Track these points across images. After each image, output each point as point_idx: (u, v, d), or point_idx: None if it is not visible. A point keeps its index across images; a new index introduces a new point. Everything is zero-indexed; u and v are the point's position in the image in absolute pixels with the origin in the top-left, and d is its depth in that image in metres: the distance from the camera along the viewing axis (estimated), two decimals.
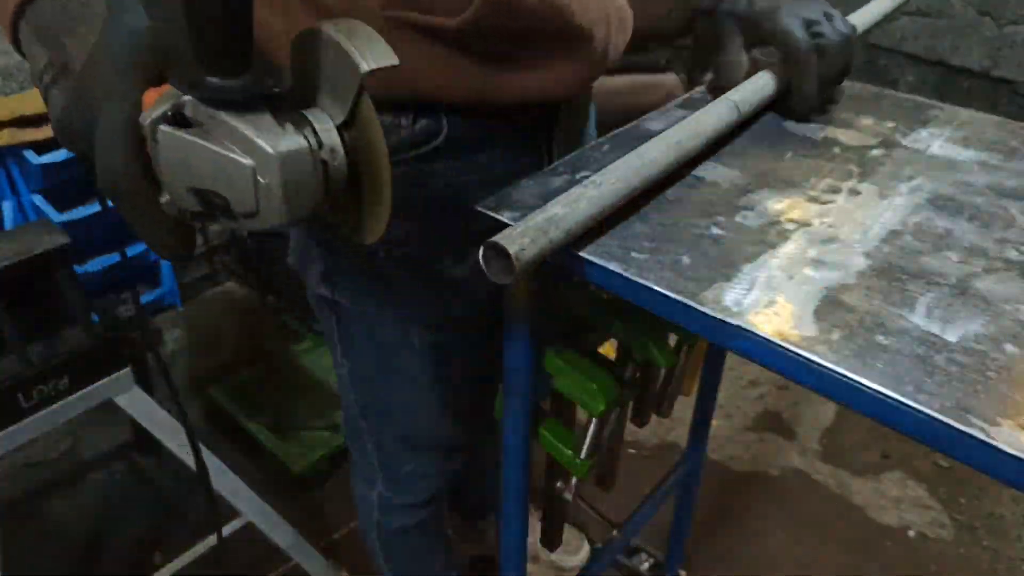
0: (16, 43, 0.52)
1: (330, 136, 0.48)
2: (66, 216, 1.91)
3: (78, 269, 1.48)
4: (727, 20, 0.83)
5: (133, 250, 2.14)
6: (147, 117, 0.45)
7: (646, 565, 1.63)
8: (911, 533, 1.80)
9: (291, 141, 0.45)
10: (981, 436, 0.44)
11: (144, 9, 0.47)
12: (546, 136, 0.87)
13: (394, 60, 0.47)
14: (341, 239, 0.59)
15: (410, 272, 0.85)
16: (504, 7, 0.69)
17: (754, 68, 0.83)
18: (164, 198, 0.48)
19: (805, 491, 1.90)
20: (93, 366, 1.09)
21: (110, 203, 0.49)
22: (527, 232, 0.55)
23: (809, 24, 0.78)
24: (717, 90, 0.83)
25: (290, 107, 0.48)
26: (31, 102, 1.89)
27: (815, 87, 0.79)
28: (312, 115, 0.48)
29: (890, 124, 0.86)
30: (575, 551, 1.67)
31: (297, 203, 0.46)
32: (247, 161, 0.44)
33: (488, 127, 0.78)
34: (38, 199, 1.91)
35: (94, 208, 1.96)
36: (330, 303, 0.91)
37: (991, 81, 2.36)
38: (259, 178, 0.44)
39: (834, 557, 1.74)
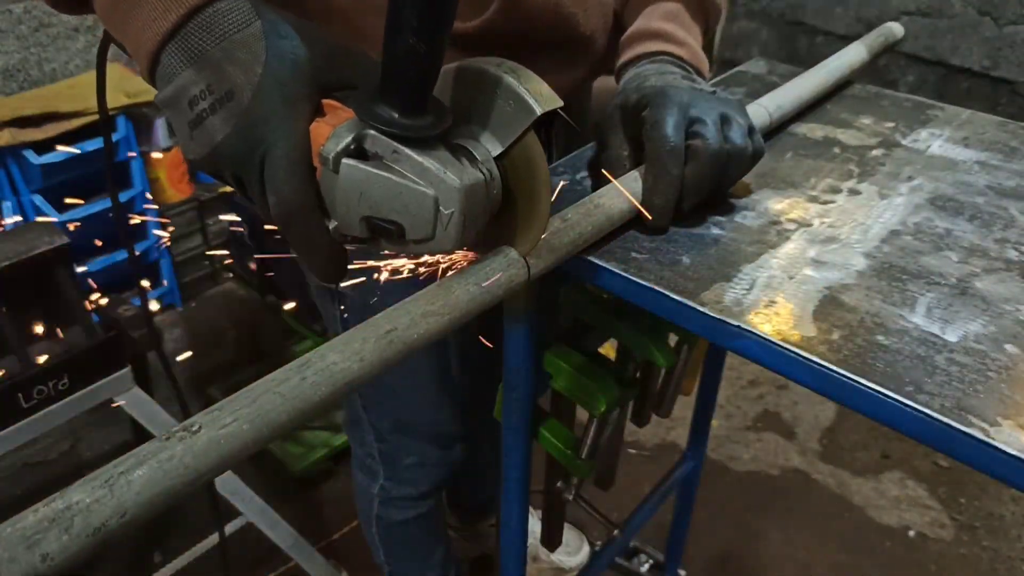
0: (151, 70, 0.51)
1: (494, 168, 0.52)
2: (66, 216, 1.91)
3: (78, 269, 1.48)
4: (613, 112, 0.70)
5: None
6: (330, 150, 0.48)
7: (646, 566, 1.63)
8: (911, 533, 1.80)
9: (471, 175, 0.49)
10: (981, 436, 0.44)
11: (299, 36, 0.49)
12: (544, 136, 0.88)
13: (559, 103, 0.51)
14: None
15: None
16: (515, 15, 0.70)
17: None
18: (331, 224, 0.51)
19: (805, 491, 1.90)
20: (93, 366, 1.09)
21: (281, 230, 0.51)
22: (544, 242, 0.56)
23: (692, 122, 0.63)
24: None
25: (452, 137, 0.51)
26: (31, 102, 1.89)
27: (665, 198, 0.63)
28: (473, 147, 0.52)
29: (890, 124, 0.86)
30: (575, 551, 1.67)
31: (469, 230, 0.50)
32: (430, 192, 0.48)
33: None
34: (38, 199, 1.91)
35: (94, 208, 1.97)
36: (334, 294, 0.92)
37: (991, 81, 2.36)
38: (441, 208, 0.48)
39: (834, 557, 1.74)
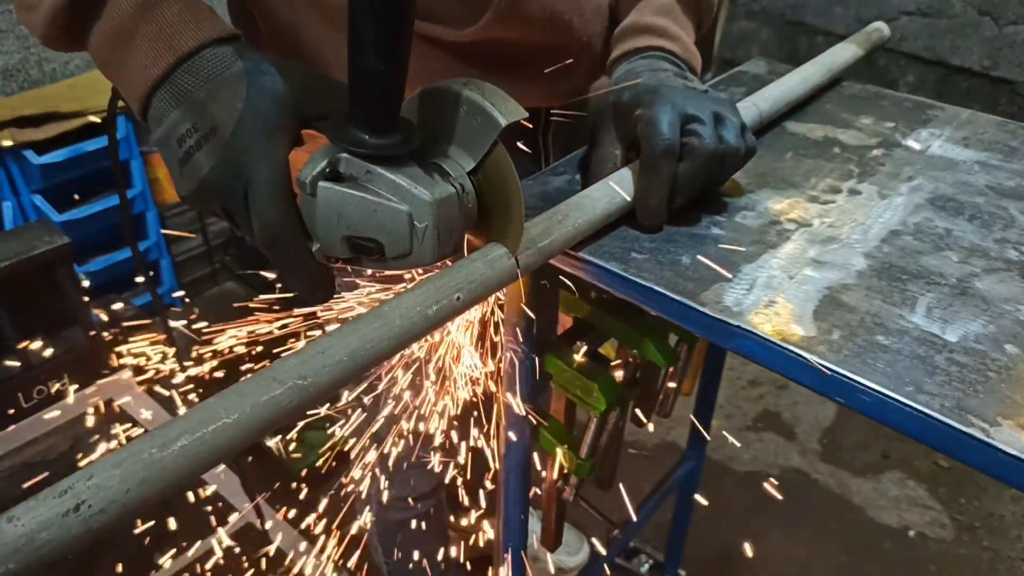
0: (143, 112, 0.54)
1: (467, 182, 0.54)
2: (66, 216, 1.91)
3: (78, 269, 1.48)
4: (605, 109, 0.69)
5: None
6: (306, 175, 0.50)
7: (646, 567, 1.63)
8: (911, 533, 1.80)
9: (442, 189, 0.51)
10: (981, 436, 0.44)
11: (279, 73, 0.52)
12: (542, 136, 0.88)
13: (524, 114, 0.53)
14: None
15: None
16: (511, 22, 0.70)
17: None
18: (315, 247, 0.53)
19: (805, 491, 1.90)
20: (93, 366, 1.09)
21: (267, 254, 0.53)
22: (530, 237, 0.56)
23: (687, 120, 0.62)
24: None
25: (424, 156, 0.53)
26: (31, 102, 1.89)
27: (659, 197, 0.62)
28: (445, 163, 0.54)
29: (890, 124, 0.86)
30: (575, 551, 1.67)
31: (445, 243, 0.52)
32: (404, 207, 0.50)
33: None
34: (38, 199, 1.91)
35: (94, 208, 1.96)
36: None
37: (991, 81, 2.36)
38: (415, 222, 0.50)
39: (834, 557, 1.74)
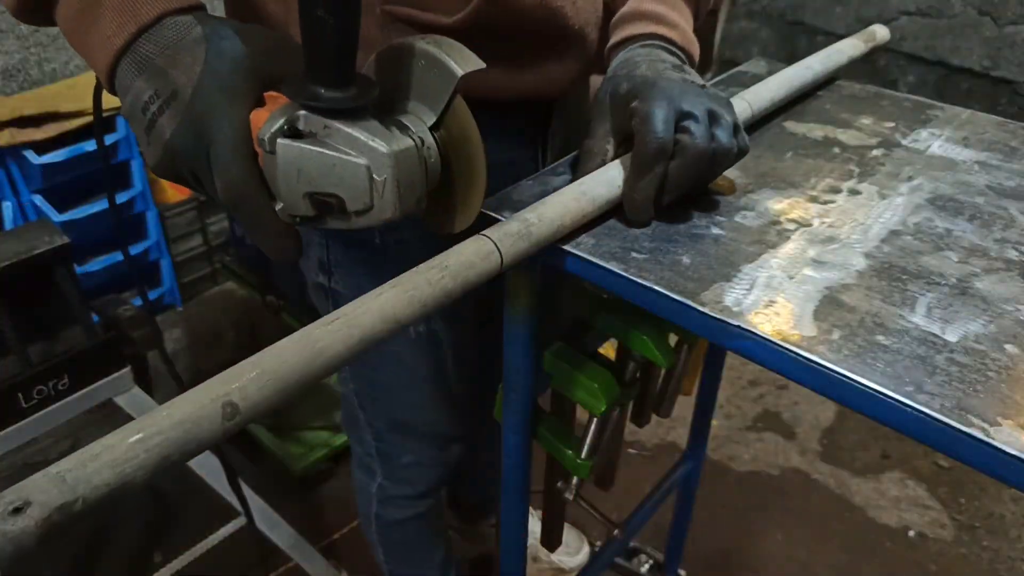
0: (110, 84, 0.55)
1: (427, 136, 0.54)
2: (66, 216, 1.91)
3: (78, 269, 1.48)
4: (603, 99, 0.68)
5: (134, 250, 2.14)
6: (265, 132, 0.50)
7: (646, 567, 1.63)
8: (911, 533, 1.80)
9: (400, 141, 0.51)
10: (981, 436, 0.44)
11: (238, 36, 0.52)
12: (541, 131, 0.88)
13: (482, 65, 0.53)
14: (433, 231, 0.63)
15: (404, 259, 0.86)
16: (500, 8, 0.69)
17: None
18: (279, 206, 0.53)
19: (805, 491, 1.90)
20: (93, 366, 1.09)
21: (232, 215, 0.52)
22: (512, 226, 0.56)
23: (681, 117, 0.61)
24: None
25: (385, 113, 0.53)
26: (31, 102, 1.89)
27: (646, 194, 0.62)
28: (406, 119, 0.54)
29: (890, 124, 0.86)
30: (575, 551, 1.67)
31: (406, 197, 0.52)
32: (362, 161, 0.50)
33: (481, 121, 0.80)
34: (38, 199, 1.91)
35: (94, 208, 1.96)
36: (327, 291, 0.92)
37: (991, 81, 2.36)
38: (374, 176, 0.50)
39: (834, 557, 1.74)
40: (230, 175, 0.52)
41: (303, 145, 0.50)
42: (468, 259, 0.52)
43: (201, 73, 0.51)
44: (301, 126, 0.51)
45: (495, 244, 0.54)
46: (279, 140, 0.50)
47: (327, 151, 0.50)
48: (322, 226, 0.55)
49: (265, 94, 0.53)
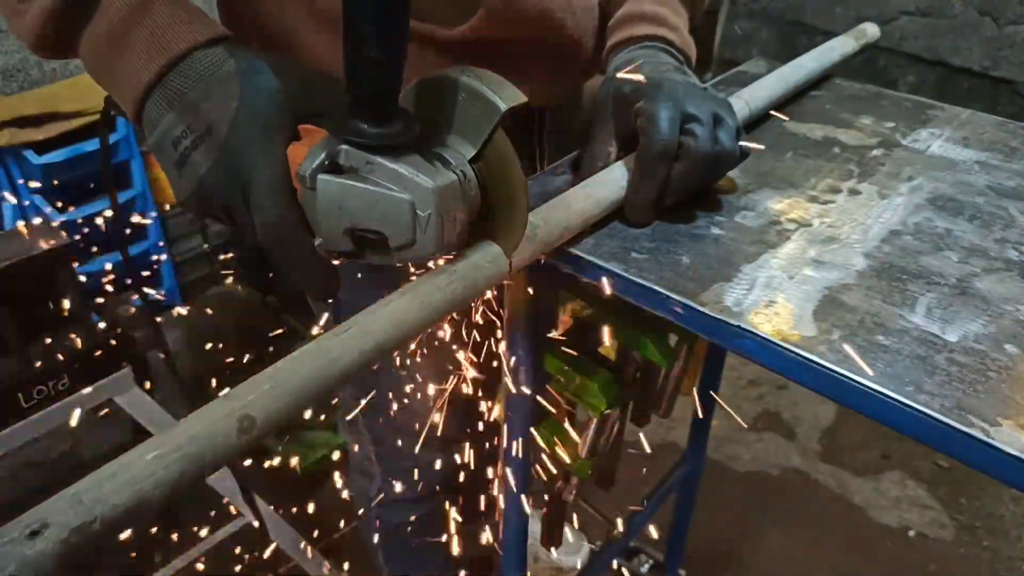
0: (137, 117, 0.54)
1: (468, 169, 0.53)
2: (66, 216, 1.91)
3: (78, 269, 1.48)
4: (605, 100, 0.68)
5: (134, 250, 2.14)
6: (306, 168, 0.49)
7: (646, 567, 1.63)
8: (911, 533, 1.80)
9: (444, 176, 0.50)
10: (981, 436, 0.44)
11: (271, 71, 0.52)
12: (537, 136, 0.88)
13: (524, 99, 0.52)
14: None
15: (406, 265, 0.86)
16: (502, 21, 0.70)
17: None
18: (317, 241, 0.52)
19: (805, 491, 1.90)
20: (93, 366, 1.09)
21: (270, 252, 0.52)
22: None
23: (686, 119, 0.61)
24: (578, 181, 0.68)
25: (424, 146, 0.52)
26: (31, 102, 1.89)
27: (649, 196, 0.62)
28: (446, 152, 0.53)
29: (890, 124, 0.86)
30: (575, 551, 1.67)
31: (449, 231, 0.51)
32: (406, 196, 0.49)
33: None
34: (38, 199, 1.90)
35: (94, 208, 1.96)
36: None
37: (991, 81, 2.36)
38: (417, 211, 0.49)
39: (834, 557, 1.74)
40: (269, 213, 0.51)
41: (345, 181, 0.49)
42: (476, 263, 0.52)
43: (237, 109, 0.50)
44: (342, 161, 0.50)
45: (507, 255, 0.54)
46: (320, 176, 0.49)
47: (369, 187, 0.49)
48: (361, 261, 0.54)
49: (299, 127, 0.53)
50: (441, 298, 0.50)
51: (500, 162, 0.54)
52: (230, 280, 2.45)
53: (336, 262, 0.55)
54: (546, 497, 0.94)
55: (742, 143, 0.65)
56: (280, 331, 2.20)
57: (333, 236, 0.52)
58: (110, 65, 0.54)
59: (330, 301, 0.93)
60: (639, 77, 0.66)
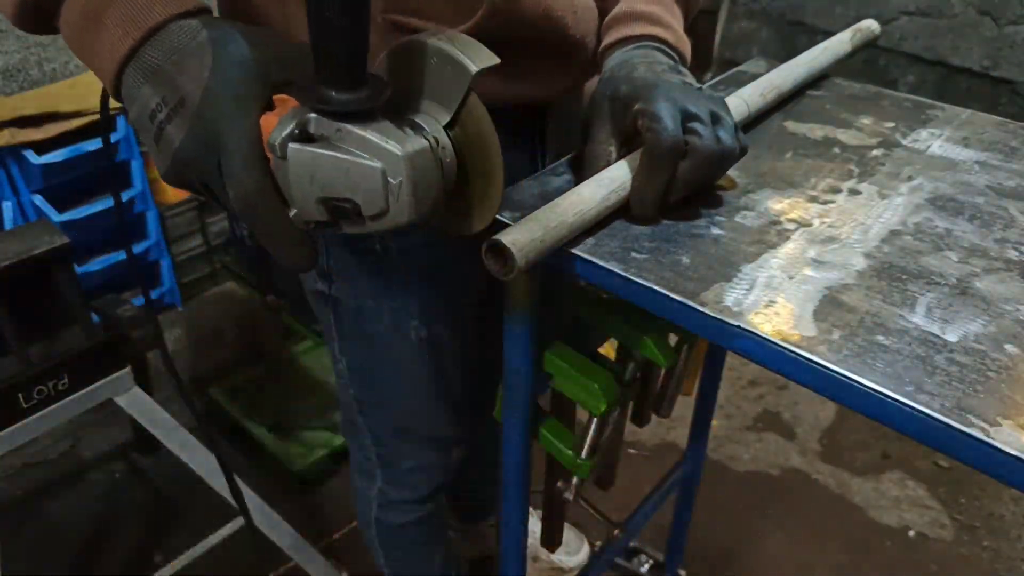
0: (116, 92, 0.54)
1: (442, 136, 0.52)
2: (66, 216, 1.91)
3: (78, 269, 1.48)
4: (601, 101, 0.68)
5: (134, 250, 2.14)
6: (276, 137, 0.49)
7: (646, 567, 1.63)
8: (911, 533, 1.80)
9: (415, 142, 0.50)
10: (981, 436, 0.44)
11: (245, 40, 0.51)
12: (539, 134, 0.88)
13: (496, 60, 0.52)
14: (446, 233, 0.62)
15: (405, 266, 0.86)
16: (505, 20, 0.70)
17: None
18: (292, 212, 0.52)
19: (805, 491, 1.90)
20: (93, 366, 1.09)
21: (243, 223, 0.51)
22: (527, 230, 0.56)
23: (687, 118, 0.62)
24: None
25: (398, 113, 0.52)
26: (31, 102, 1.89)
27: (657, 192, 0.62)
28: (420, 119, 0.52)
29: (890, 124, 0.86)
30: (575, 551, 1.67)
31: (423, 199, 0.51)
32: (377, 164, 0.48)
33: None
34: (38, 199, 1.91)
35: (94, 208, 1.96)
36: (327, 298, 0.92)
37: (991, 81, 2.36)
38: (389, 179, 0.49)
39: (834, 557, 1.74)
40: (242, 183, 0.50)
41: (315, 149, 0.49)
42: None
43: (208, 79, 0.50)
44: (312, 130, 0.50)
45: (508, 247, 0.54)
46: (291, 145, 0.49)
47: (340, 155, 0.49)
48: (337, 231, 0.54)
49: (274, 97, 0.52)
50: None
51: (476, 127, 0.53)
52: (230, 280, 2.45)
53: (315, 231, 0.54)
54: (546, 497, 0.94)
55: (741, 139, 0.65)
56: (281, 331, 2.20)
57: (307, 206, 0.51)
58: (87, 41, 0.53)
59: (327, 295, 0.92)
60: (635, 76, 0.66)
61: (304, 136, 0.50)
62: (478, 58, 0.51)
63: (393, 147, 0.48)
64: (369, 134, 0.48)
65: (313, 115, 0.49)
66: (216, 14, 0.79)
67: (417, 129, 0.52)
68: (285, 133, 0.49)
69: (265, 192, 0.51)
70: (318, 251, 0.56)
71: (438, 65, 0.52)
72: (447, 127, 0.53)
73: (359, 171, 0.49)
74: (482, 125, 0.53)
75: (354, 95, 0.48)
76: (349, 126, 0.49)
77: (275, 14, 0.72)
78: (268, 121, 0.51)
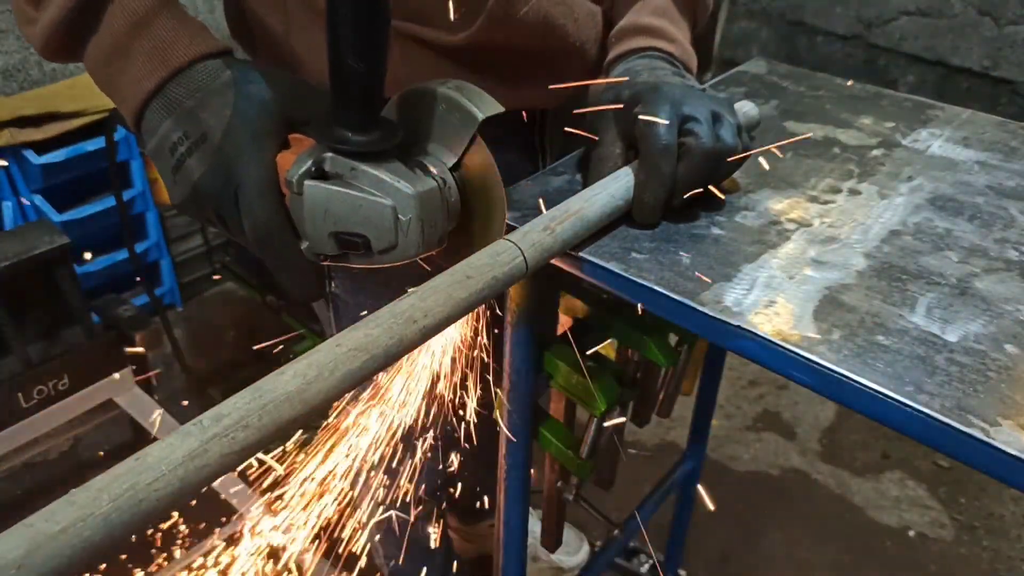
0: (136, 124, 0.57)
1: (448, 176, 0.56)
2: (66, 216, 1.91)
3: (78, 269, 1.48)
4: (606, 105, 0.69)
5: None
6: (293, 174, 0.52)
7: (646, 567, 1.63)
8: (911, 533, 1.80)
9: (424, 183, 0.53)
10: (981, 436, 0.44)
11: (264, 81, 0.55)
12: (539, 137, 0.88)
13: (500, 108, 0.55)
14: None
15: (405, 265, 0.86)
16: (504, 27, 0.70)
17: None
18: (304, 245, 0.55)
19: (805, 491, 1.90)
20: (93, 366, 1.09)
21: (258, 254, 0.55)
22: (537, 231, 0.56)
23: (685, 120, 0.62)
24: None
25: (407, 155, 0.55)
26: (31, 102, 1.89)
27: (655, 196, 0.62)
28: (427, 160, 0.56)
29: (890, 124, 0.86)
30: (575, 551, 1.67)
31: (430, 235, 0.54)
32: (388, 202, 0.52)
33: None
34: (38, 199, 1.91)
35: (94, 208, 1.96)
36: (327, 296, 0.92)
37: (991, 81, 2.36)
38: (399, 216, 0.52)
39: (834, 557, 1.74)
40: (258, 216, 0.53)
41: (330, 187, 0.52)
42: (491, 263, 0.52)
43: (230, 117, 0.53)
44: (328, 168, 0.53)
45: (519, 249, 0.54)
46: (307, 182, 0.52)
47: (354, 192, 0.52)
48: (345, 263, 0.57)
49: (289, 136, 0.55)
50: (462, 296, 0.50)
51: (479, 168, 0.56)
52: (230, 280, 2.45)
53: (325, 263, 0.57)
54: (546, 497, 0.94)
55: (745, 138, 0.65)
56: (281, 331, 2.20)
57: (319, 239, 0.54)
58: (113, 75, 0.56)
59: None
60: (637, 81, 0.67)
61: (320, 173, 0.53)
62: (484, 106, 0.55)
63: (404, 187, 0.51)
64: (382, 174, 0.52)
65: (329, 154, 0.52)
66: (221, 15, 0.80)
67: (425, 170, 0.55)
68: (303, 170, 0.52)
69: (279, 225, 0.54)
70: (324, 283, 0.59)
71: (446, 111, 0.55)
72: (452, 168, 0.56)
73: (372, 208, 0.52)
74: (485, 166, 0.56)
75: (369, 136, 0.52)
76: (363, 165, 0.52)
77: (277, 24, 0.72)
78: (284, 158, 0.53)
